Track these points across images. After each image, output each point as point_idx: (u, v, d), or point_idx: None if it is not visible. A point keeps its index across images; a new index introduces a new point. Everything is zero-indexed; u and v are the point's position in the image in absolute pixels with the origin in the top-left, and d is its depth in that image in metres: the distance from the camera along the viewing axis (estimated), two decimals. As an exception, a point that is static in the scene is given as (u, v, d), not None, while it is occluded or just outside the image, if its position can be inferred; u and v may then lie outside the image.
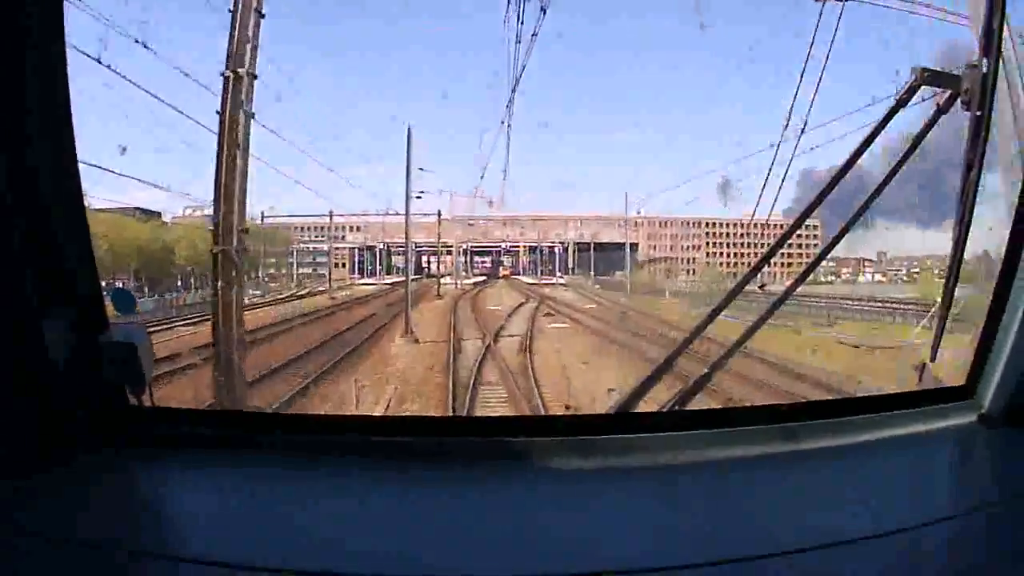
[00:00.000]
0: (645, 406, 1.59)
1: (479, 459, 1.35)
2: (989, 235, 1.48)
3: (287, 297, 25.24)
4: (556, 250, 34.42)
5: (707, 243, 31.83)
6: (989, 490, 1.29)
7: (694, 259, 31.71)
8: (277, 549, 1.01)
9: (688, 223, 32.33)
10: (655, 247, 34.54)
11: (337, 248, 33.87)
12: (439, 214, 28.59)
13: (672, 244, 34.18)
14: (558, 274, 33.64)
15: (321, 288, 28.51)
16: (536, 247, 35.59)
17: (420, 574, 0.97)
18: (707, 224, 31.75)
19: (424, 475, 1.30)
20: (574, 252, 33.62)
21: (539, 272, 35.93)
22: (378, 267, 33.03)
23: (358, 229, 32.80)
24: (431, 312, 20.18)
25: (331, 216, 29.19)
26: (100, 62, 8.93)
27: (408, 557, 1.00)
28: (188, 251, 27.11)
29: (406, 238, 19.15)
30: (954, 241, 1.45)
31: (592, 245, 33.57)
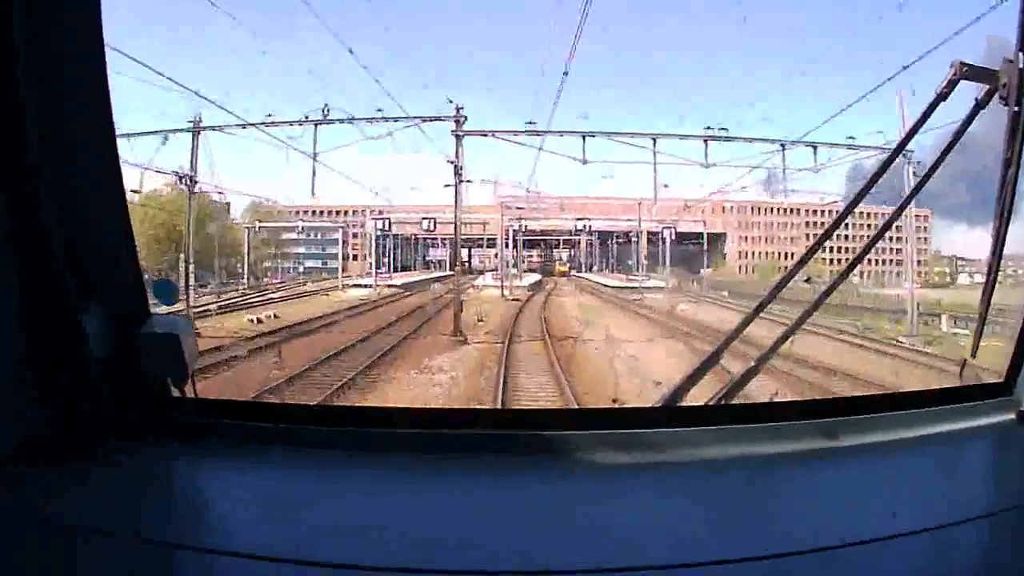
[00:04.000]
0: (687, 400, 1.71)
1: (518, 453, 1.42)
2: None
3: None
4: (663, 236, 28.11)
5: (807, 234, 29.10)
6: None
7: (791, 253, 28.96)
8: (316, 543, 1.07)
9: (786, 210, 29.79)
10: (747, 238, 32.14)
11: (352, 236, 30.32)
12: (458, 127, 17.76)
13: (766, 235, 31.63)
14: (662, 270, 27.71)
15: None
16: (608, 233, 31.78)
17: (456, 568, 1.02)
18: (808, 211, 29.08)
19: (462, 469, 1.37)
20: (666, 244, 28.77)
21: (613, 266, 31.69)
22: (385, 259, 28.59)
23: (380, 212, 28.85)
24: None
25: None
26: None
27: (445, 550, 1.07)
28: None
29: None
30: (993, 239, 1.55)
31: (706, 235, 29.02)
